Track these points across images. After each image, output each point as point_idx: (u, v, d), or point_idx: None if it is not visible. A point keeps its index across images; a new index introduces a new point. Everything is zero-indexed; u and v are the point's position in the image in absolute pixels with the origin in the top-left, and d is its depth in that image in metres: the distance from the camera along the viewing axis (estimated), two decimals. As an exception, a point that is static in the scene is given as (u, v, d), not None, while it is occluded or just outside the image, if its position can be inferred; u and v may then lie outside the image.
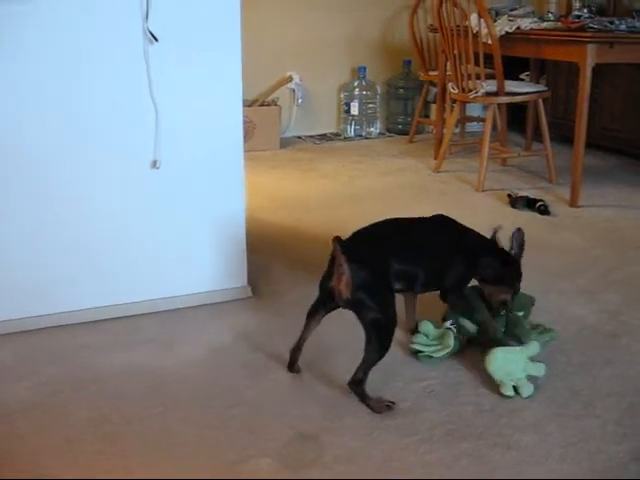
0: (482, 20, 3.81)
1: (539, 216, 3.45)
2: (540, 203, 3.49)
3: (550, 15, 4.21)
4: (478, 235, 2.16)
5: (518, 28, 3.90)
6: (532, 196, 3.59)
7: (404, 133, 5.45)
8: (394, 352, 2.11)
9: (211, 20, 2.23)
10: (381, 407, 1.82)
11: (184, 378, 1.98)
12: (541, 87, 4.28)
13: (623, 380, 1.97)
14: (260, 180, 4.06)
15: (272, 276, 2.67)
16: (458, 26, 3.96)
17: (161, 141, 2.24)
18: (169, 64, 2.20)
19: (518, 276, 2.15)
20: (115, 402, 1.86)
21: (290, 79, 5.23)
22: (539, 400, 1.87)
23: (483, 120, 4.30)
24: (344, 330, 2.14)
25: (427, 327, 2.15)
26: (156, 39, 2.15)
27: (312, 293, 2.49)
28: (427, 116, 5.45)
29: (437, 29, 4.25)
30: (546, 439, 1.71)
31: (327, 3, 5.28)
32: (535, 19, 4.04)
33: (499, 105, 4.36)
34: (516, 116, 5.16)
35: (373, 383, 1.91)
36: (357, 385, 1.84)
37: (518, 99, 4.00)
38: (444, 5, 4.01)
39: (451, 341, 2.07)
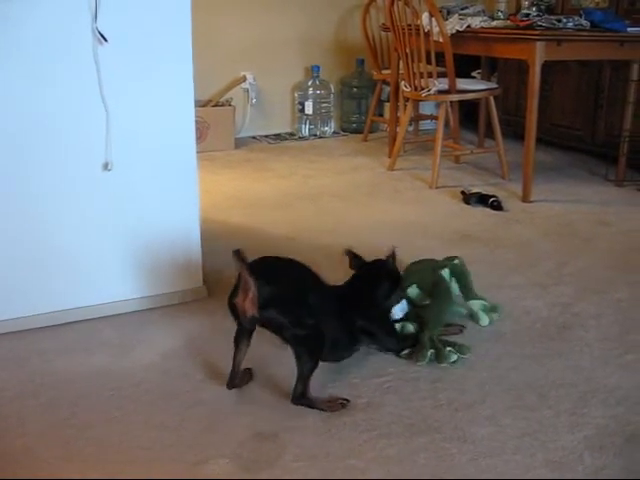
0: (433, 19, 3.84)
1: (492, 212, 3.49)
2: (493, 199, 3.54)
3: (500, 14, 4.26)
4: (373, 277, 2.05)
5: (469, 27, 3.95)
6: (485, 192, 3.65)
7: (358, 132, 5.47)
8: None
9: (162, 20, 2.21)
10: (335, 406, 1.82)
11: (141, 381, 1.96)
12: (492, 84, 4.34)
13: (575, 370, 2.01)
14: (215, 180, 4.05)
15: (227, 276, 2.64)
16: (410, 25, 4.00)
17: (112, 142, 2.21)
18: (119, 65, 2.18)
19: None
20: (73, 407, 1.83)
21: (244, 79, 5.22)
22: (494, 393, 1.89)
23: (436, 118, 4.35)
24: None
25: None
26: (105, 39, 2.12)
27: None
28: (381, 115, 5.49)
29: (389, 28, 4.28)
30: (501, 431, 1.73)
31: (280, 3, 5.29)
32: (485, 17, 4.09)
33: (451, 103, 4.41)
34: (469, 113, 5.23)
35: (330, 381, 1.93)
36: (300, 398, 1.80)
37: (469, 96, 4.05)
38: (395, 4, 4.04)
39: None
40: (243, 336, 1.87)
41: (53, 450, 1.67)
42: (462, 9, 4.32)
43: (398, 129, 4.49)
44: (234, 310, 1.79)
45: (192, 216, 2.40)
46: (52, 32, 2.08)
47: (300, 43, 5.46)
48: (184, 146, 2.33)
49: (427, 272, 2.27)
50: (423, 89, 3.98)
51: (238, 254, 1.67)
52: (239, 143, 5.08)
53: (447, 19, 4.10)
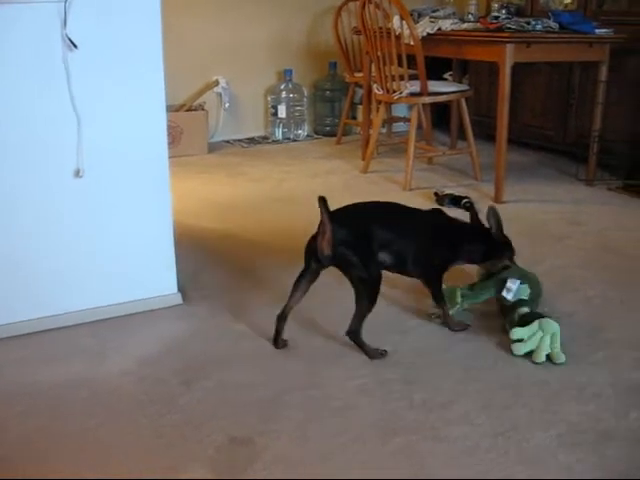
0: (404, 22, 3.86)
1: (465, 213, 3.51)
2: (465, 200, 3.57)
3: (470, 16, 4.30)
4: (462, 225, 2.35)
5: (439, 29, 3.99)
6: (457, 193, 3.67)
7: (332, 135, 5.48)
8: (324, 351, 2.13)
9: (132, 26, 2.20)
10: (375, 354, 2.07)
11: (116, 389, 1.95)
12: (463, 86, 4.36)
13: (548, 368, 2.03)
14: (189, 185, 4.04)
15: (202, 281, 2.65)
16: (381, 28, 4.02)
17: (83, 149, 2.20)
18: (90, 71, 2.17)
19: (503, 247, 2.37)
20: (49, 416, 1.82)
21: (216, 83, 5.20)
22: (468, 393, 1.91)
23: (409, 120, 4.36)
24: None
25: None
26: (75, 46, 2.12)
27: (243, 297, 2.52)
28: (354, 117, 5.50)
29: (360, 31, 4.29)
30: (476, 430, 1.75)
31: (252, 7, 5.28)
32: (456, 20, 4.13)
33: (424, 105, 4.44)
34: (442, 115, 5.26)
35: (304, 384, 1.94)
36: (354, 334, 2.06)
37: (441, 99, 4.07)
38: (367, 7, 4.06)
39: (458, 298, 2.33)
40: (304, 281, 2.11)
41: (29, 459, 1.66)
42: (433, 11, 4.35)
43: (371, 132, 4.51)
44: (311, 252, 2.06)
45: (165, 222, 2.39)
46: (22, 39, 2.06)
47: (272, 47, 5.46)
48: (156, 151, 2.33)
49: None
50: (395, 92, 4.00)
51: (322, 201, 1.95)
52: (212, 147, 5.07)
53: (418, 22, 4.12)
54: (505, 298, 2.27)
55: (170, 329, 2.31)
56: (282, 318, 2.14)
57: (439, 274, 2.26)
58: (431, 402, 1.87)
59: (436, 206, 3.54)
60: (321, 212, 1.96)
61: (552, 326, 2.08)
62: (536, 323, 2.10)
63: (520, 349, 2.08)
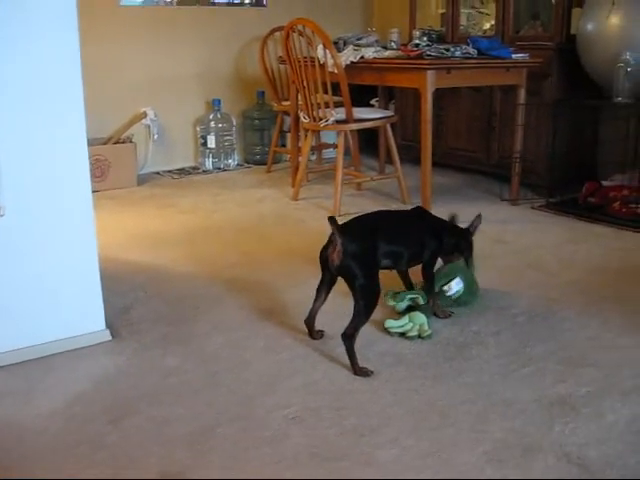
0: (327, 51, 3.92)
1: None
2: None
3: (392, 44, 4.39)
4: (442, 221, 2.65)
5: (362, 57, 4.06)
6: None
7: (262, 163, 5.51)
8: (253, 383, 2.13)
9: (49, 61, 2.19)
10: (361, 372, 2.14)
11: (44, 430, 1.91)
12: (388, 112, 4.45)
13: (475, 387, 2.08)
14: (118, 219, 4.00)
15: (131, 316, 2.62)
16: (305, 57, 4.07)
17: (4, 187, 2.17)
18: (7, 107, 2.14)
19: (468, 245, 2.66)
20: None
21: (144, 115, 5.17)
22: (398, 416, 1.93)
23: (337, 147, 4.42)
24: (203, 369, 2.15)
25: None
26: (-9, 83, 2.10)
27: (173, 330, 2.50)
28: (284, 145, 5.54)
29: (286, 61, 4.34)
30: (405, 453, 1.77)
31: (178, 37, 5.30)
32: (378, 48, 4.22)
33: (351, 131, 4.50)
34: (370, 140, 5.35)
35: (234, 416, 1.93)
36: (348, 339, 2.16)
37: (367, 125, 4.14)
38: (291, 37, 4.11)
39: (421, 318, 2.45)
40: (323, 287, 2.33)
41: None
42: (358, 39, 4.43)
43: (300, 159, 4.55)
44: (323, 262, 2.28)
45: (90, 258, 2.36)
46: None
47: (200, 77, 5.47)
48: (79, 186, 2.30)
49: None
50: (321, 119, 4.05)
51: (331, 220, 2.18)
52: (142, 180, 5.03)
53: (343, 50, 4.20)
54: (445, 292, 2.61)
55: (98, 367, 2.27)
56: (309, 321, 2.38)
57: (432, 265, 2.55)
58: (361, 427, 1.88)
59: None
60: (332, 227, 2.18)
61: (420, 318, 2.44)
62: (407, 316, 2.45)
63: (393, 327, 2.43)
